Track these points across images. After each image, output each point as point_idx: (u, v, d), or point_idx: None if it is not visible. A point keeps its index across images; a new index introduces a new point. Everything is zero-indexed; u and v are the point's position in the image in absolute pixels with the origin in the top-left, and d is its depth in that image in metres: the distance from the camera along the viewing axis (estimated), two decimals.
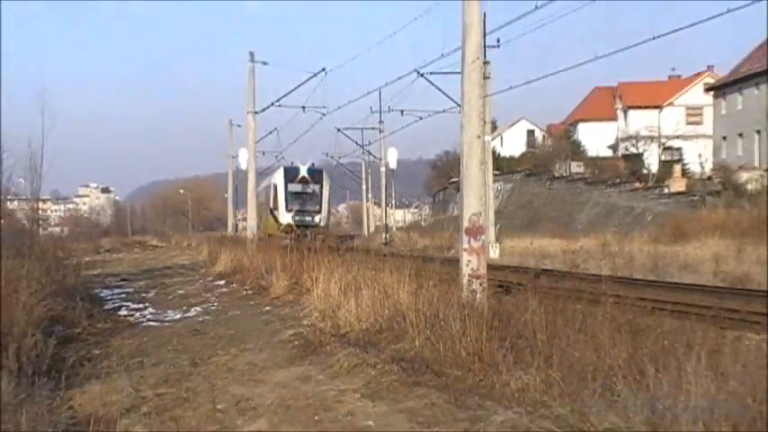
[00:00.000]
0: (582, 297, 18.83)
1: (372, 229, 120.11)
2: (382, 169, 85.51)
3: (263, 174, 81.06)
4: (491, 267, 24.58)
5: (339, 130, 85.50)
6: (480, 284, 22.68)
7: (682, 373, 11.37)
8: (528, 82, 34.19)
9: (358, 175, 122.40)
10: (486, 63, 30.98)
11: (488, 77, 31.61)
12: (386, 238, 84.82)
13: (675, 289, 30.62)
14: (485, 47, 30.00)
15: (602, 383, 12.68)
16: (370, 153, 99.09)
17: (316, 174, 68.82)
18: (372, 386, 15.82)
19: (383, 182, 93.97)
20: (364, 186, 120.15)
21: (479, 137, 24.14)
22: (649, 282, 30.69)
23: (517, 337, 16.12)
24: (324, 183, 69.26)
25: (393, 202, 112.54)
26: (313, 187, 67.13)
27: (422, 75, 48.00)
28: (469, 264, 23.15)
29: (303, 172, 67.75)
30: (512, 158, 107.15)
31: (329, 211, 71.27)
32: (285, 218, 64.87)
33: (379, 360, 17.41)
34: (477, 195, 23.86)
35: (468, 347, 16.69)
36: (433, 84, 46.68)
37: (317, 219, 65.73)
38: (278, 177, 68.05)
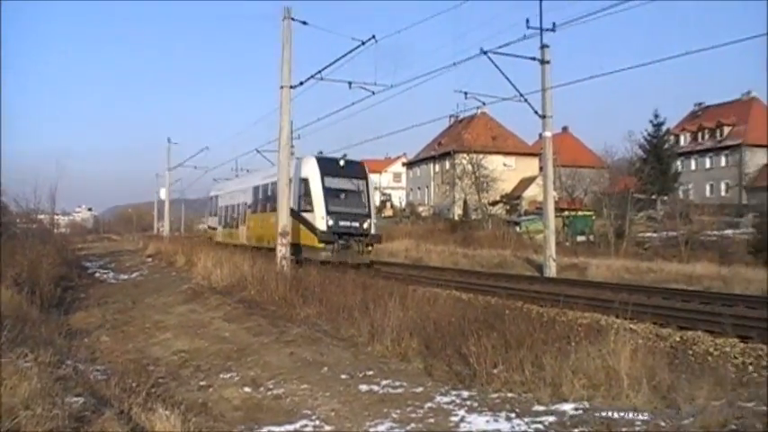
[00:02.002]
0: (339, 269, 19.12)
1: None
2: None
3: (176, 200, 69.62)
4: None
5: (215, 179, 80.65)
6: (286, 261, 22.79)
7: (387, 308, 11.66)
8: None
9: None
10: (292, 146, 30.89)
11: (293, 153, 31.70)
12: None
13: (385, 264, 31.05)
14: (292, 139, 30.02)
15: (348, 313, 12.88)
16: None
17: (358, 167, 31.56)
18: (228, 315, 15.74)
19: None
20: None
21: (286, 185, 24.20)
22: (374, 261, 30.69)
23: (305, 289, 16.25)
24: (368, 178, 31.63)
25: None
26: (357, 183, 30.65)
27: (258, 151, 47.06)
28: (281, 251, 23.17)
29: (343, 163, 30.58)
30: None
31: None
32: (324, 224, 28.57)
33: (232, 301, 17.34)
34: (286, 216, 23.90)
35: (279, 295, 16.80)
36: (264, 157, 45.91)
37: (365, 225, 29.47)
38: (309, 169, 29.91)
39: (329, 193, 29.01)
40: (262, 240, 32.76)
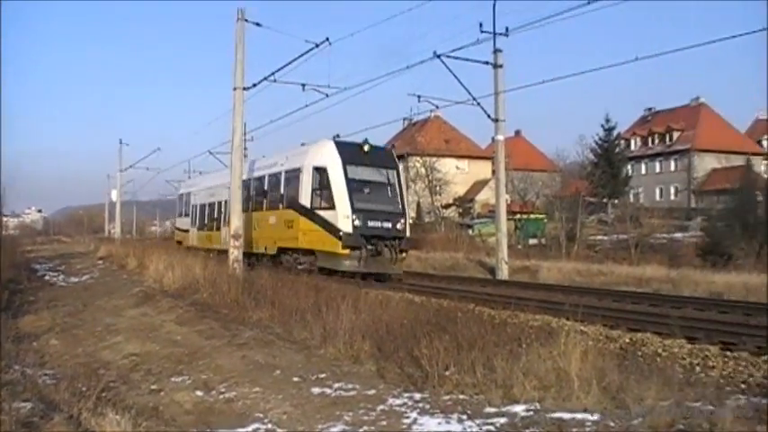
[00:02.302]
0: (291, 270, 19.08)
1: None
2: None
3: (125, 202, 67.39)
4: (244, 254, 24.37)
5: (167, 181, 78.59)
6: (238, 264, 22.69)
7: (339, 311, 11.67)
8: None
9: None
10: (245, 149, 30.83)
11: (246, 156, 31.59)
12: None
13: None
14: (245, 141, 29.87)
15: (300, 316, 12.84)
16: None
17: (385, 154, 26.00)
18: (180, 318, 15.60)
19: None
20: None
21: (239, 187, 24.06)
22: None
23: (257, 292, 16.16)
24: (399, 168, 25.58)
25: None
26: (386, 173, 24.44)
27: (211, 153, 46.63)
28: (233, 253, 23.09)
29: (368, 149, 24.25)
30: None
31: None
32: (349, 224, 22.38)
33: (184, 304, 17.17)
34: (238, 218, 23.79)
35: (231, 297, 16.70)
36: (217, 158, 45.28)
37: (398, 225, 23.47)
38: (326, 156, 23.82)
39: (354, 186, 23.46)
40: (257, 245, 27.08)
